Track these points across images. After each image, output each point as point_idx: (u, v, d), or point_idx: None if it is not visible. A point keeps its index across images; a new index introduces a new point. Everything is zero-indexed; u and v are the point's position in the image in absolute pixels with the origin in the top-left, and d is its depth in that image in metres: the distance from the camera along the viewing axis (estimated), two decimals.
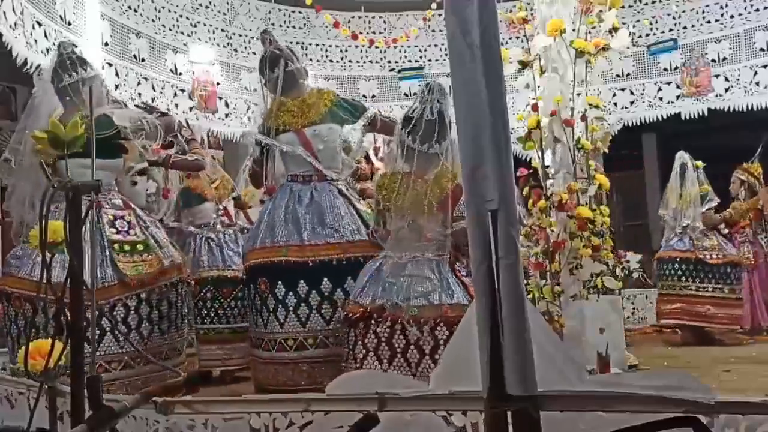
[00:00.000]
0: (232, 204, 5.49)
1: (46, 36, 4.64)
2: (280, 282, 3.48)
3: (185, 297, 3.59)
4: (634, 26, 6.83)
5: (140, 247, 3.36)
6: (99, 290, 3.12)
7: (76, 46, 3.62)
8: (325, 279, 3.45)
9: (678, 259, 6.19)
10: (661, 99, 7.10)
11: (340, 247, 3.49)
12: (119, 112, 3.40)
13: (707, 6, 6.92)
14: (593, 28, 4.22)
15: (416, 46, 7.70)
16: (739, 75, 6.73)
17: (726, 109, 6.81)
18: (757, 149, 6.55)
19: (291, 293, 3.46)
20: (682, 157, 6.37)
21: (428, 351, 2.99)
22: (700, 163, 6.32)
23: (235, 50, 7.09)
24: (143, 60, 6.06)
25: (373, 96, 7.54)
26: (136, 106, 4.34)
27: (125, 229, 3.36)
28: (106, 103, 3.55)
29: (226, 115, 6.91)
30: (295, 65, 3.83)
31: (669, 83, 7.07)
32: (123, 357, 3.22)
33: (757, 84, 6.64)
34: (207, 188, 5.11)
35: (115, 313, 3.23)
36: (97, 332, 3.15)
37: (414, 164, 3.17)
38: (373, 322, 3.07)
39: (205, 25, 6.81)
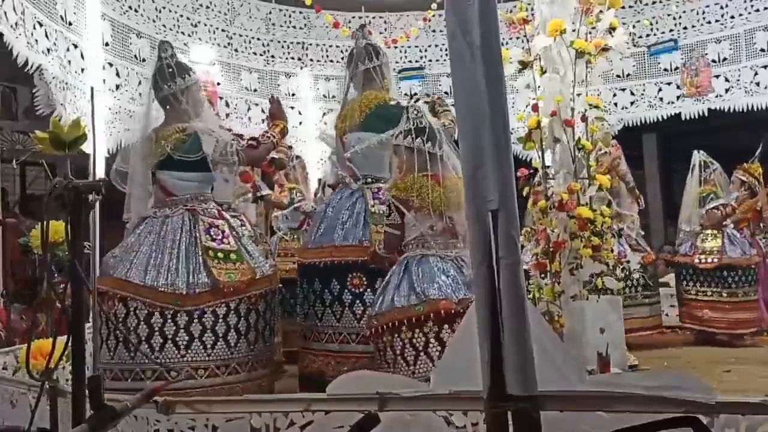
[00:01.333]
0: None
1: (46, 36, 4.64)
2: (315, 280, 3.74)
3: (275, 308, 3.59)
4: (634, 26, 6.83)
5: (233, 256, 3.37)
6: (191, 296, 3.20)
7: (172, 47, 3.58)
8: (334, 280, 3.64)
9: (679, 263, 6.22)
10: (661, 99, 7.11)
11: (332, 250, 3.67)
12: (207, 137, 3.42)
13: (707, 6, 6.92)
14: (593, 28, 4.22)
15: (416, 47, 7.71)
16: (739, 75, 6.73)
17: (726, 110, 6.81)
18: (757, 149, 6.53)
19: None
20: (693, 157, 6.34)
21: None
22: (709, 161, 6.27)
23: (236, 50, 7.09)
24: (144, 60, 6.06)
25: None
26: (270, 102, 4.14)
27: (219, 237, 3.40)
28: (203, 111, 3.58)
29: (227, 115, 6.90)
30: (365, 65, 3.91)
31: (669, 83, 7.07)
32: (209, 365, 3.20)
33: (758, 84, 6.64)
34: None
35: (204, 319, 3.22)
36: (186, 338, 3.18)
37: (439, 167, 3.37)
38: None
39: (205, 25, 6.81)
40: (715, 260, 5.96)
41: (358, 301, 3.56)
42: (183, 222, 3.35)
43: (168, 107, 3.48)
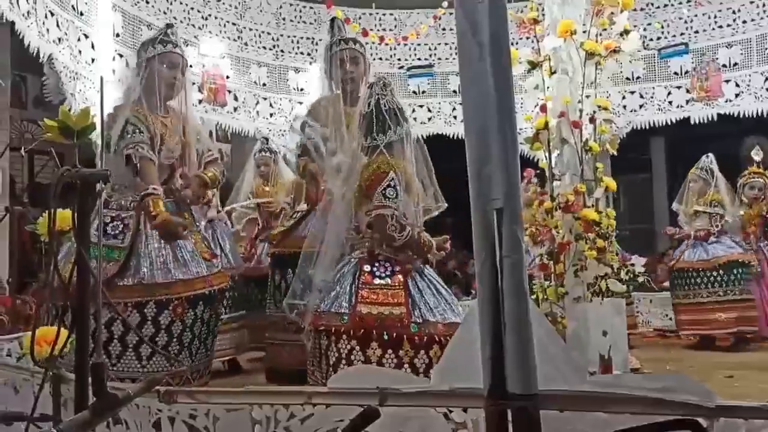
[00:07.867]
0: None
1: (58, 26, 4.66)
2: None
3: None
4: (645, 29, 6.80)
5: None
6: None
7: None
8: None
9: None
10: (670, 103, 7.08)
11: None
12: None
13: (719, 11, 6.89)
14: (604, 30, 4.21)
15: (426, 44, 7.70)
16: (749, 81, 6.70)
17: (736, 115, 6.78)
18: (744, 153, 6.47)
19: None
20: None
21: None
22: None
23: (246, 44, 7.09)
24: None
25: None
26: None
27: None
28: None
29: (235, 109, 6.92)
30: None
31: (679, 87, 7.04)
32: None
33: None
34: None
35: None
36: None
37: (367, 160, 3.17)
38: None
39: (216, 18, 6.82)
40: None
41: None
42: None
43: None
